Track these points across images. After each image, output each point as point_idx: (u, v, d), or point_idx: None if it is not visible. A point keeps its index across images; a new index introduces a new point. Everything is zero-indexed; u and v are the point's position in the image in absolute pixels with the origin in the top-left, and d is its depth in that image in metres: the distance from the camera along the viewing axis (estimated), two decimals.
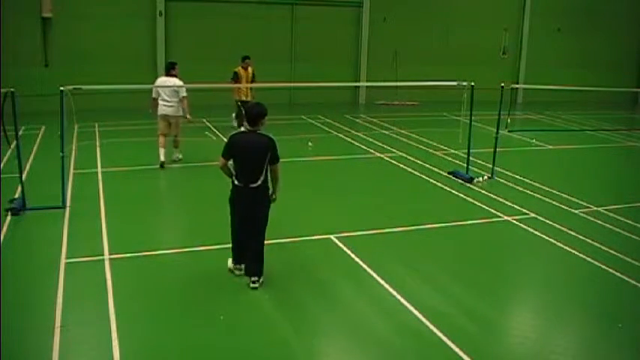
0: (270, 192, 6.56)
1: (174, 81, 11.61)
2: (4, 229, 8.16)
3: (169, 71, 11.84)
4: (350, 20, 21.62)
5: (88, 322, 5.88)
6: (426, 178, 11.53)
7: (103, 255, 7.37)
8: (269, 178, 6.47)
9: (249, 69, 15.18)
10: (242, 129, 6.46)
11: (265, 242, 6.68)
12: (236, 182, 6.40)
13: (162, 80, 11.94)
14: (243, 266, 6.74)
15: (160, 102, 11.71)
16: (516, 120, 16.92)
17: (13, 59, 16.80)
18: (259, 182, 6.34)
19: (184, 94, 11.62)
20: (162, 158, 11.73)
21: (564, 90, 17.31)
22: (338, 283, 6.89)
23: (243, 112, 6.77)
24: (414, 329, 5.90)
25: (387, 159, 13.03)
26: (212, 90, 17.41)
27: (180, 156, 12.30)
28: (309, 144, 13.95)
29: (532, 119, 19.33)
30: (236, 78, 15.08)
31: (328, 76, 19.32)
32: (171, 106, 11.66)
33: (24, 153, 9.88)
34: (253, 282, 6.50)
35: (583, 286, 7.14)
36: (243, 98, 14.77)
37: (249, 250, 6.60)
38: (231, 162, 6.45)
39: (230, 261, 6.86)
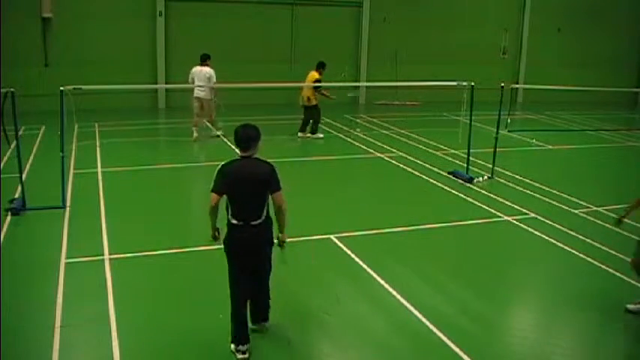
0: (278, 234, 5.48)
1: (207, 70, 13.93)
2: (4, 229, 8.16)
3: (205, 61, 14.05)
4: (350, 20, 21.61)
5: (88, 322, 5.88)
6: (426, 178, 11.53)
7: (103, 255, 7.37)
8: (269, 211, 5.38)
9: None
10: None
11: None
12: (233, 221, 5.23)
13: (198, 69, 14.05)
14: (247, 347, 5.33)
15: (195, 87, 14.00)
16: (516, 120, 16.90)
17: (13, 59, 16.77)
18: (263, 218, 5.27)
19: (214, 80, 13.85)
20: (195, 134, 14.10)
21: (564, 90, 17.28)
22: (338, 283, 6.90)
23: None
24: (414, 329, 5.91)
25: (387, 159, 13.03)
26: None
27: (218, 132, 14.29)
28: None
29: (532, 119, 19.32)
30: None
31: (328, 76, 19.30)
32: (203, 91, 13.91)
33: (24, 153, 9.87)
34: (260, 327, 5.67)
35: (583, 286, 7.13)
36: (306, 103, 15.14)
37: (255, 305, 5.61)
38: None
39: (232, 346, 5.38)
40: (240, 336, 5.33)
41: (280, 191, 5.27)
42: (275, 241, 5.51)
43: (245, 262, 5.36)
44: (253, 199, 5.22)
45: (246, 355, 5.28)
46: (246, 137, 5.25)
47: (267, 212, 5.33)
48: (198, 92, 14.00)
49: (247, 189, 5.19)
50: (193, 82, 13.95)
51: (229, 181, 5.20)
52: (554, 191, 10.72)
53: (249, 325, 5.53)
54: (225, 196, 5.25)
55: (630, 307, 6.38)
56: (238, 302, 5.39)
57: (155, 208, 9.50)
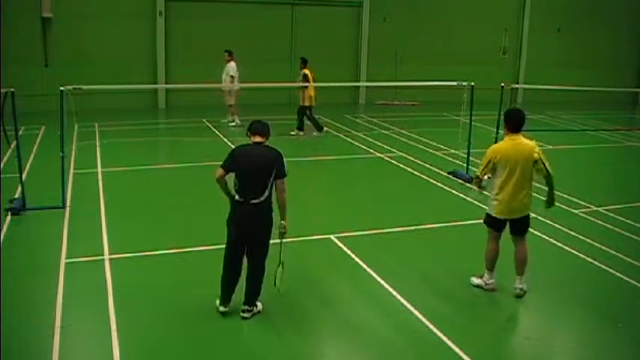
0: (280, 219, 5.95)
1: (231, 65, 15.94)
2: (4, 229, 8.16)
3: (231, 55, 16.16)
4: (350, 20, 21.62)
5: (88, 322, 5.89)
6: (426, 178, 11.53)
7: (103, 255, 7.37)
8: (272, 195, 5.87)
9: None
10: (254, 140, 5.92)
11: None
12: (237, 197, 5.82)
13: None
14: (228, 307, 6.00)
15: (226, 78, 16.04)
16: None
17: (13, 59, 16.78)
18: (263, 198, 5.76)
19: (232, 74, 15.83)
20: (237, 121, 16.14)
21: (564, 90, 17.29)
22: (338, 283, 6.89)
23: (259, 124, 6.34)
24: (414, 329, 5.91)
25: (387, 159, 13.03)
26: (212, 90, 17.43)
27: (239, 122, 15.74)
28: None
29: (532, 119, 19.28)
30: (307, 81, 14.78)
31: (328, 76, 19.31)
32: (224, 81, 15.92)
33: (24, 153, 9.86)
34: (243, 312, 5.92)
35: (583, 286, 7.13)
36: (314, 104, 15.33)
37: (247, 275, 6.03)
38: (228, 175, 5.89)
39: (217, 302, 6.05)
40: (223, 295, 6.03)
41: (284, 178, 5.82)
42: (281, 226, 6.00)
43: (241, 237, 5.90)
44: (257, 179, 5.77)
45: (227, 310, 5.97)
46: (266, 128, 5.96)
47: (269, 195, 5.82)
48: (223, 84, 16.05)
49: (254, 169, 5.77)
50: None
51: (239, 161, 5.82)
52: (554, 191, 10.69)
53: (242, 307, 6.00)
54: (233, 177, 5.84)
55: (475, 280, 6.82)
56: (224, 275, 6.01)
57: (155, 208, 9.49)
